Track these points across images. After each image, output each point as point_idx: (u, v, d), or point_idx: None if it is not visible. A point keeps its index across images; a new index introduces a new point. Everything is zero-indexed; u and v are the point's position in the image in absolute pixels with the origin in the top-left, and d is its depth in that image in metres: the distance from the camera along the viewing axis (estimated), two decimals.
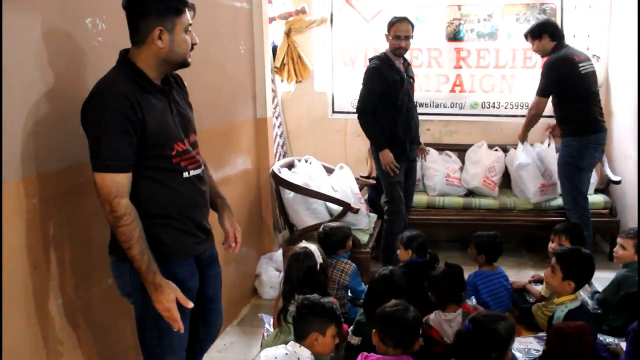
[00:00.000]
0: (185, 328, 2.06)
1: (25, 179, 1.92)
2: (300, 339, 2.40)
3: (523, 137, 4.66)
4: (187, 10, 1.99)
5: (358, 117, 4.14)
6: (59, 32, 2.05)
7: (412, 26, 4.04)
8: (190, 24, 2.01)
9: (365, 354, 2.40)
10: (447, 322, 2.87)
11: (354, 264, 3.45)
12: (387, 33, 4.06)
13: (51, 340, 2.07)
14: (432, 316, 2.97)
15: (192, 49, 2.05)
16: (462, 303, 2.98)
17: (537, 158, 4.80)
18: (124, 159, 1.88)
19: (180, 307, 1.97)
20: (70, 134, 2.08)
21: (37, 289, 1.99)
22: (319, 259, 2.88)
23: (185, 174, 2.06)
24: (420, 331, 2.51)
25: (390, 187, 4.15)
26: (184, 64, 2.06)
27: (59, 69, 2.04)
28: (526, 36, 4.39)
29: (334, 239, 3.45)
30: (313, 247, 2.95)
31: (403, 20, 4.00)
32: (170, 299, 1.94)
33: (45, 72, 1.99)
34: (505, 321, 2.27)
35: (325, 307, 2.44)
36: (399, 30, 3.97)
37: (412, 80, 4.23)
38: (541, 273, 3.45)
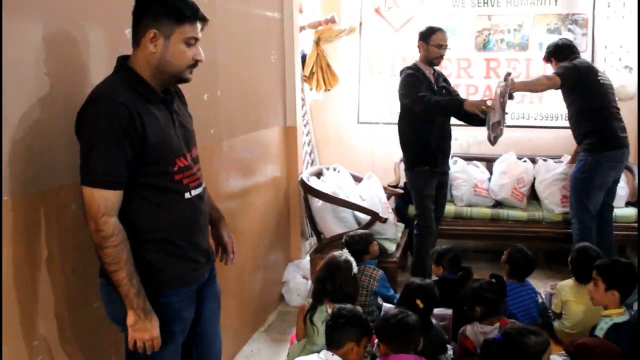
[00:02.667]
0: (179, 353, 2.01)
1: (64, 186, 1.94)
2: (335, 347, 2.38)
3: (519, 87, 4.10)
4: (193, 21, 1.82)
5: (427, 116, 3.89)
6: (99, 43, 2.10)
7: (446, 36, 4.02)
8: (196, 38, 1.84)
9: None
10: (483, 334, 2.85)
11: (381, 270, 3.45)
12: (423, 42, 3.98)
13: (85, 342, 2.11)
14: (469, 327, 2.96)
15: (195, 65, 1.88)
16: (501, 318, 2.93)
17: (561, 171, 4.74)
18: (116, 175, 1.72)
19: (172, 335, 1.92)
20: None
21: (75, 293, 2.03)
22: (355, 269, 2.89)
23: (187, 195, 1.91)
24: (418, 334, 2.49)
25: (421, 201, 4.08)
26: (180, 78, 1.89)
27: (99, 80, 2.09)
28: (547, 60, 4.33)
29: (358, 246, 3.46)
30: (350, 257, 2.97)
31: (442, 29, 3.98)
32: (156, 328, 1.81)
33: (85, 82, 2.03)
34: (537, 336, 2.26)
35: (362, 317, 2.45)
36: (441, 39, 3.94)
37: (444, 91, 4.07)
38: (559, 282, 3.45)
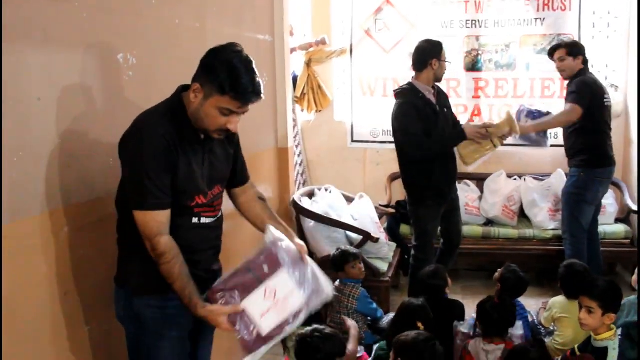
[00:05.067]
0: (185, 353, 2.12)
1: (57, 210, 1.97)
2: None
3: (530, 129, 4.20)
4: (238, 100, 1.88)
5: (417, 157, 3.70)
6: (92, 67, 2.13)
7: None
8: (232, 111, 1.91)
9: None
10: (485, 352, 2.87)
11: (362, 288, 3.47)
12: (436, 59, 3.72)
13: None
14: (472, 342, 2.97)
15: (225, 132, 1.97)
16: (507, 340, 2.93)
17: (546, 187, 4.83)
18: (165, 197, 1.89)
19: (169, 340, 2.03)
20: (100, 165, 2.16)
21: (67, 316, 2.04)
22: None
23: (195, 220, 2.04)
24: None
25: (424, 235, 3.90)
26: (207, 134, 1.98)
27: (91, 103, 2.12)
28: (554, 49, 4.16)
29: (335, 262, 3.54)
30: None
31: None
32: (221, 321, 1.92)
33: (78, 105, 2.07)
34: (537, 351, 2.29)
35: (329, 339, 2.42)
36: (445, 53, 3.79)
37: (446, 110, 3.85)
38: (549, 300, 3.48)
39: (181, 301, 1.92)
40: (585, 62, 4.14)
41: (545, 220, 4.74)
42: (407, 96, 3.72)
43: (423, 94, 3.71)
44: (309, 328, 2.47)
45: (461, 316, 3.34)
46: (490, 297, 3.06)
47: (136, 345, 2.10)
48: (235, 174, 2.25)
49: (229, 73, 1.85)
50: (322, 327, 2.52)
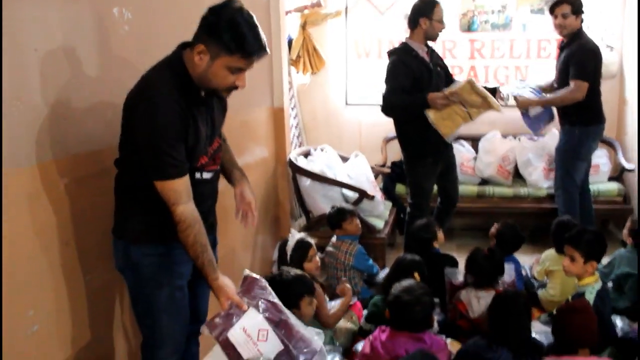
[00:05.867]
0: (184, 301, 2.16)
1: (57, 160, 2.00)
2: None
3: (535, 104, 4.23)
4: (246, 57, 1.89)
5: (387, 115, 3.81)
6: (87, 20, 2.15)
7: None
8: (242, 68, 1.92)
9: (383, 327, 2.48)
10: (477, 298, 2.95)
11: (359, 245, 3.54)
12: (425, 18, 3.69)
13: (79, 312, 2.17)
14: (463, 292, 3.06)
15: (234, 89, 1.99)
16: (497, 288, 3.03)
17: (540, 146, 4.88)
18: (182, 164, 1.92)
19: (168, 287, 2.09)
20: (99, 118, 2.18)
21: (67, 265, 2.09)
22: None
23: (197, 175, 2.08)
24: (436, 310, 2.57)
25: (419, 192, 3.95)
26: (215, 93, 2.02)
27: (87, 56, 2.14)
28: (557, 4, 4.02)
29: (332, 220, 3.63)
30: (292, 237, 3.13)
31: (439, 3, 3.74)
32: (222, 303, 2.02)
33: (74, 58, 2.09)
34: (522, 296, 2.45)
35: (287, 283, 2.49)
36: (441, 12, 3.72)
37: (439, 69, 3.85)
38: (541, 255, 3.56)
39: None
40: (582, 21, 4.11)
41: (540, 179, 4.79)
42: (398, 54, 3.76)
43: (416, 52, 3.72)
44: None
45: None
46: (478, 249, 3.13)
47: (136, 295, 2.15)
48: None
49: (233, 32, 1.84)
50: (288, 268, 2.63)
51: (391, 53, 3.82)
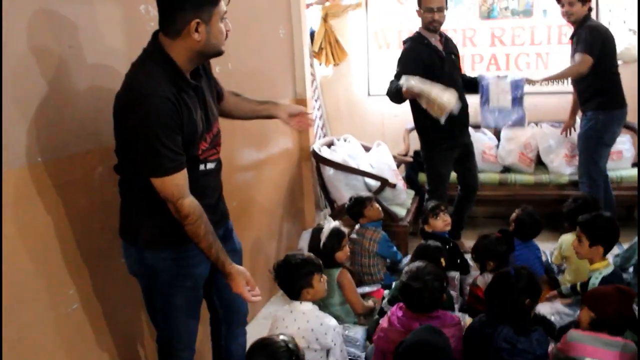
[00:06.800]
0: (198, 300, 2.22)
1: (91, 151, 2.13)
2: (295, 298, 2.58)
3: (545, 80, 4.30)
4: None
5: (390, 100, 3.89)
6: (116, 17, 2.25)
7: None
8: (225, 11, 1.93)
9: (401, 304, 2.56)
10: None
11: (383, 232, 3.62)
12: (418, 8, 3.84)
13: (116, 291, 2.32)
14: (479, 277, 3.13)
15: (226, 37, 1.98)
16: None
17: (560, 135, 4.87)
18: (180, 157, 1.89)
19: (182, 290, 2.12)
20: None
21: (103, 247, 2.22)
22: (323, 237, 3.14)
23: (202, 167, 2.07)
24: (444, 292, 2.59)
25: (436, 179, 4.05)
26: (219, 53, 1.98)
27: (115, 52, 2.25)
28: None
29: (353, 210, 3.69)
30: (328, 225, 3.18)
31: None
32: (241, 284, 2.05)
33: (105, 54, 2.20)
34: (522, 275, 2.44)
35: (297, 265, 2.58)
36: (431, 2, 3.74)
37: (453, 57, 3.95)
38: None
39: (208, 258, 2.02)
40: (589, 9, 4.17)
41: (561, 165, 4.79)
42: (410, 42, 3.86)
43: (429, 40, 3.82)
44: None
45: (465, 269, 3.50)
46: (485, 236, 3.21)
47: (151, 296, 2.18)
48: (218, 92, 2.29)
49: None
50: (294, 253, 2.71)
51: (405, 42, 3.95)
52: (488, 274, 3.06)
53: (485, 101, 4.00)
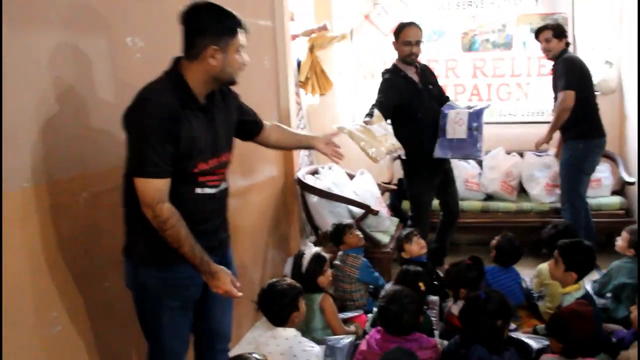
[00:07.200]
0: (187, 322, 2.25)
1: (76, 177, 2.19)
2: (282, 324, 2.61)
3: (549, 138, 4.44)
4: (241, 31, 2.05)
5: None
6: (103, 49, 2.34)
7: (421, 30, 3.91)
8: (243, 45, 2.07)
9: (379, 327, 2.61)
10: None
11: (363, 259, 3.67)
12: (394, 41, 3.94)
13: (100, 314, 2.35)
14: (454, 306, 3.16)
15: (242, 68, 2.11)
16: None
17: (545, 162, 4.98)
18: (165, 165, 1.94)
19: (170, 310, 2.16)
20: (114, 139, 2.35)
21: (87, 271, 2.27)
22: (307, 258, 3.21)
23: (198, 190, 2.10)
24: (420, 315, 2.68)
25: (419, 206, 4.15)
26: (232, 82, 2.12)
27: (103, 82, 2.33)
28: (540, 31, 4.35)
29: (333, 237, 3.77)
30: (309, 251, 3.24)
31: (411, 24, 3.88)
32: (227, 282, 2.10)
33: (92, 83, 2.28)
34: (492, 299, 2.50)
35: (283, 290, 2.64)
36: (409, 35, 3.83)
37: (431, 87, 4.04)
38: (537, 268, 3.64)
39: (188, 260, 2.03)
40: (567, 44, 4.35)
41: (542, 193, 4.89)
42: (389, 74, 3.99)
43: (405, 72, 3.94)
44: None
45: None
46: (455, 264, 3.25)
47: (141, 312, 2.22)
48: (253, 123, 2.48)
49: (221, 16, 2.00)
50: (276, 280, 2.75)
51: (383, 73, 4.05)
52: (461, 301, 3.11)
53: (443, 133, 3.95)
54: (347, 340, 2.88)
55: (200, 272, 2.09)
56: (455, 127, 3.84)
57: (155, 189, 1.94)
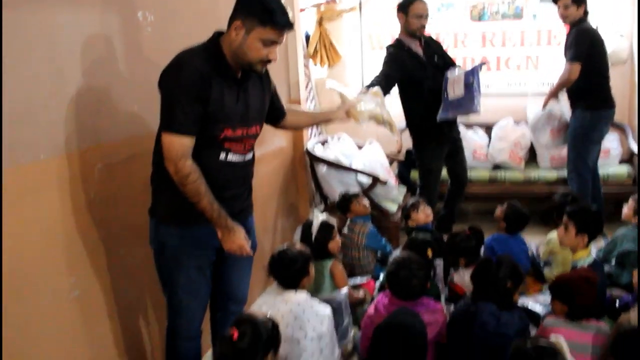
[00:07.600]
0: (203, 282, 2.34)
1: (90, 148, 2.26)
2: (293, 287, 2.68)
3: (547, 103, 4.51)
4: (277, 28, 2.06)
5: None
6: (115, 23, 2.39)
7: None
8: (274, 41, 2.09)
9: (387, 292, 2.70)
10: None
11: (371, 225, 3.76)
12: (402, 13, 3.93)
13: (116, 282, 2.44)
14: (455, 275, 3.25)
15: (268, 62, 2.14)
16: None
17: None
18: (192, 124, 2.04)
19: (186, 269, 2.26)
20: (126, 111, 2.44)
21: (104, 238, 2.35)
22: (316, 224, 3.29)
23: (222, 156, 2.18)
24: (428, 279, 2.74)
25: (426, 175, 4.22)
26: (250, 66, 2.13)
27: (114, 56, 2.39)
28: None
29: (340, 206, 3.84)
30: (317, 219, 3.31)
31: None
32: (241, 237, 2.19)
33: (104, 57, 2.33)
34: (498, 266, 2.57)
35: (295, 257, 2.70)
36: (420, 9, 3.87)
37: (437, 58, 4.04)
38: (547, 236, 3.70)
39: (206, 215, 2.11)
40: (586, 12, 4.27)
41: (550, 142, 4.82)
42: (393, 48, 4.02)
43: (409, 46, 3.96)
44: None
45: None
46: (456, 234, 3.36)
47: (159, 270, 2.34)
48: (279, 110, 2.56)
49: (265, 6, 2.03)
50: (286, 247, 2.81)
51: (388, 47, 4.08)
52: (463, 270, 3.19)
53: (445, 97, 3.95)
54: (342, 294, 3.00)
55: (217, 227, 2.17)
56: (455, 87, 3.87)
57: (180, 144, 2.03)
